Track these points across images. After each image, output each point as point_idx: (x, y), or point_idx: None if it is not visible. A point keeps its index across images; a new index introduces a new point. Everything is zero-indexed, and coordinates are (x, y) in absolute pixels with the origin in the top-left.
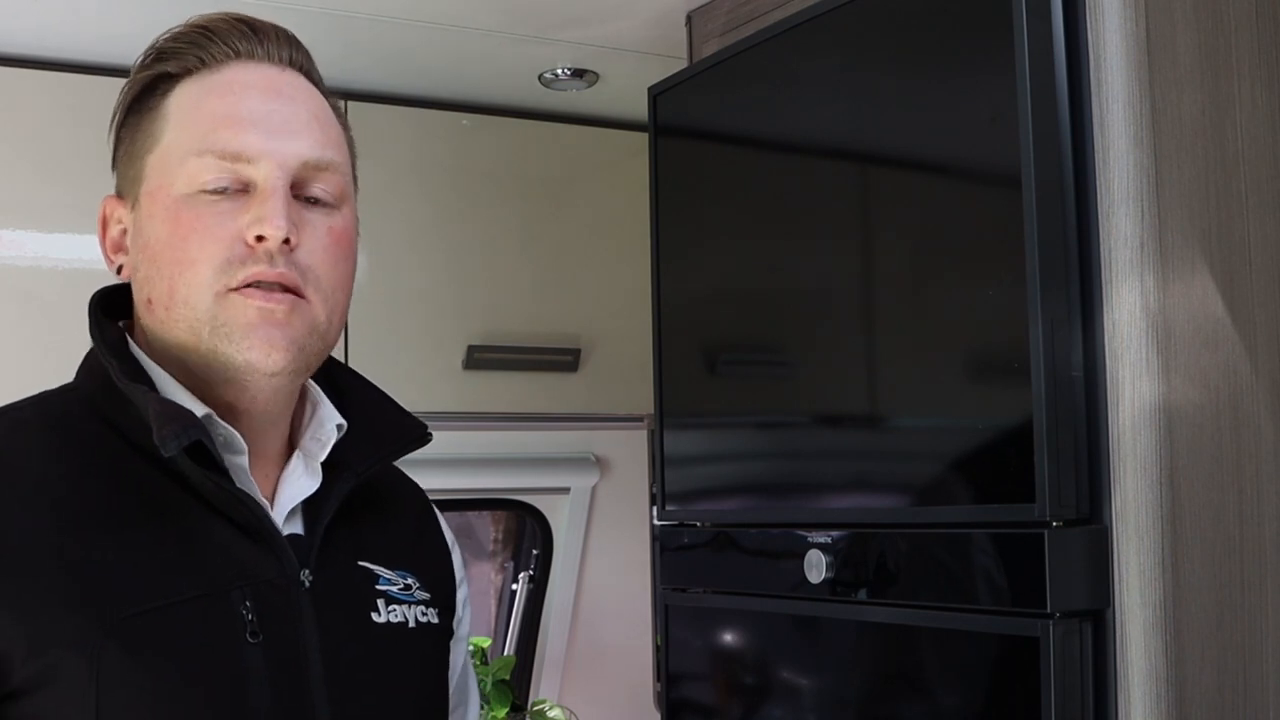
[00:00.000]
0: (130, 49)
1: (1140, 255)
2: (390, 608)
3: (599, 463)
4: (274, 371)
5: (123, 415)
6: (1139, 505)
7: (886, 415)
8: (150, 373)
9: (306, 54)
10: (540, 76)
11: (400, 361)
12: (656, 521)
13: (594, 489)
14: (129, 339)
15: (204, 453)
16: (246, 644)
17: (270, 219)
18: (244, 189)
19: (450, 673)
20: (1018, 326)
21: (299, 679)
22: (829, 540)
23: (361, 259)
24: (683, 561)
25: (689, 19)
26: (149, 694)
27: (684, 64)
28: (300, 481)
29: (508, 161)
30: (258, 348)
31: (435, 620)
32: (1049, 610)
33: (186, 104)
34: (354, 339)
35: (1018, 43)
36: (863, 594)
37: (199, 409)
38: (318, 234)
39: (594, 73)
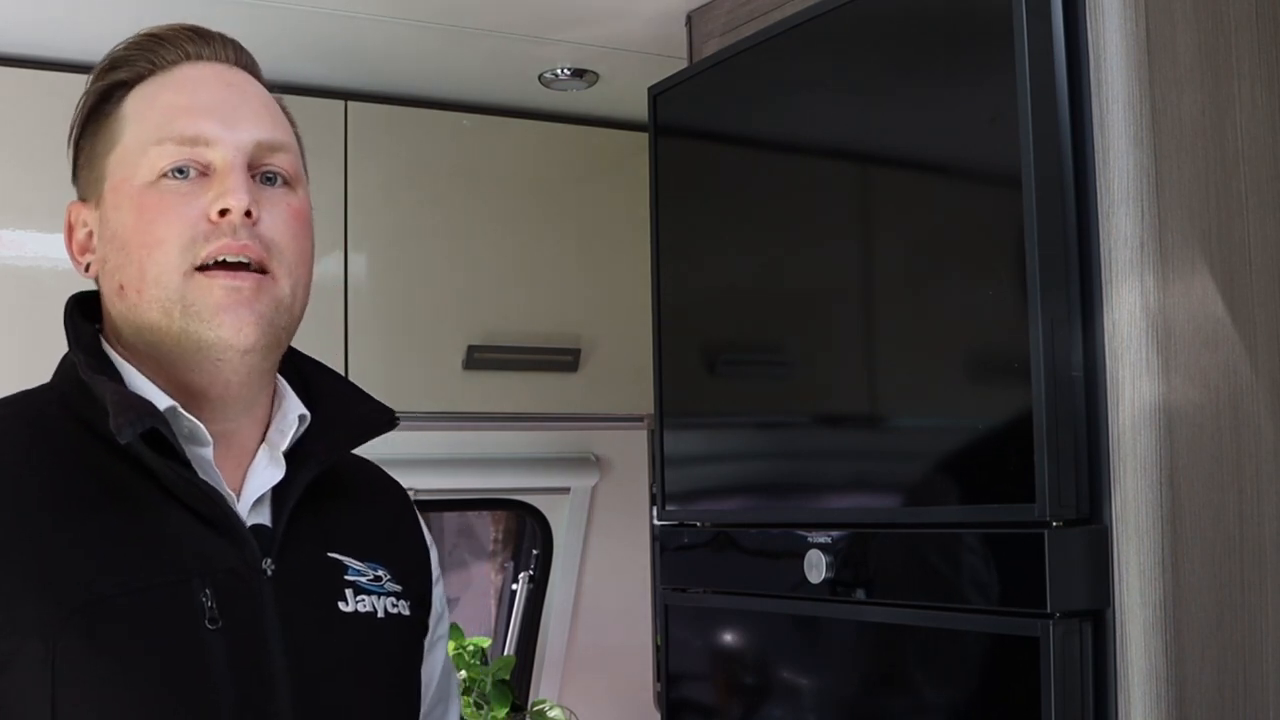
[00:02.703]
0: None
1: (1140, 255)
2: (359, 598)
3: (599, 463)
4: (246, 348)
5: (90, 409)
6: (1139, 505)
7: (886, 415)
8: (119, 368)
9: (252, 58)
10: (540, 76)
11: (400, 361)
12: (656, 521)
13: (594, 489)
14: (102, 339)
15: (167, 445)
16: (206, 631)
17: (232, 193)
18: (204, 172)
19: (430, 672)
20: (1018, 326)
21: (260, 666)
22: (829, 540)
23: (361, 259)
24: (683, 561)
25: (689, 19)
26: (106, 679)
27: (684, 64)
28: (266, 472)
29: (508, 161)
30: (228, 325)
31: (406, 613)
32: (1049, 610)
33: (142, 103)
34: (354, 339)
35: (1018, 43)
36: (862, 594)
37: (164, 402)
38: (278, 209)
39: (594, 73)
